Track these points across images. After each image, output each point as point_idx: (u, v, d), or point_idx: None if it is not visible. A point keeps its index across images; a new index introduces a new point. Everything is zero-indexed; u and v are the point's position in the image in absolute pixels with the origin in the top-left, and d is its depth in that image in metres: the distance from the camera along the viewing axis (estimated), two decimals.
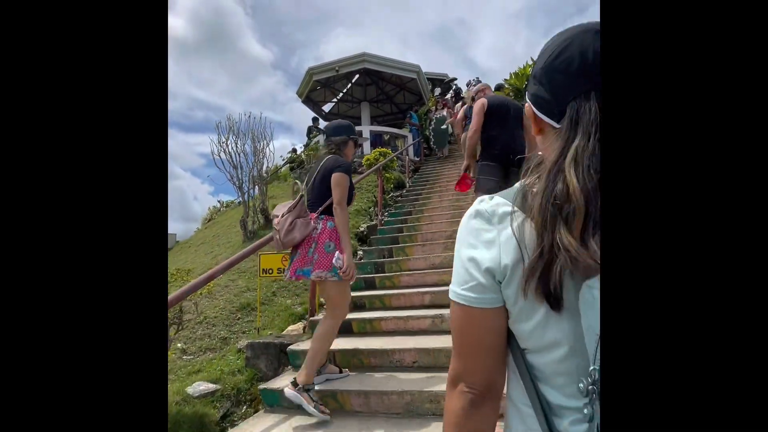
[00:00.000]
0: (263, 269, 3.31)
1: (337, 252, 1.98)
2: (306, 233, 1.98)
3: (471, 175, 2.92)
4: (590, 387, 0.39)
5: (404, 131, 11.03)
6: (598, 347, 0.37)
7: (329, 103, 12.52)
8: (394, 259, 3.92)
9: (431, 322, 2.63)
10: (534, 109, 0.49)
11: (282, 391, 2.00)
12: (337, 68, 9.96)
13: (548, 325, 0.44)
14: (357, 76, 11.26)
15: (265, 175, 6.82)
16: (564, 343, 0.43)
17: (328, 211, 2.06)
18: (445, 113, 9.32)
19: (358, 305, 3.17)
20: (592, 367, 0.39)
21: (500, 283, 0.46)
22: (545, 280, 0.41)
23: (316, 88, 11.29)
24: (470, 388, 0.49)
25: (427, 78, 14.71)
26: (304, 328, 3.08)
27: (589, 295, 0.38)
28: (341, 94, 12.18)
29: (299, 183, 2.21)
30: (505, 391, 0.52)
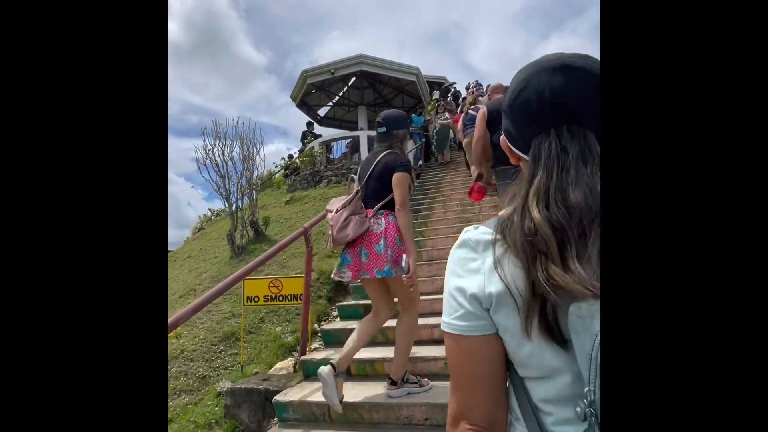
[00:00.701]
0: (248, 297, 2.88)
1: (403, 255, 1.86)
2: (360, 232, 1.87)
3: (483, 183, 2.86)
4: (587, 410, 0.38)
5: None
6: (591, 369, 0.37)
7: (325, 107, 12.13)
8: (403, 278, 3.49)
9: (444, 364, 2.20)
10: (507, 142, 0.52)
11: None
12: (332, 70, 9.58)
13: (544, 351, 0.43)
14: (354, 79, 10.89)
15: (257, 183, 6.39)
16: (565, 370, 0.42)
17: (388, 207, 1.95)
18: (447, 116, 8.95)
19: None
20: (587, 389, 0.38)
21: (487, 310, 0.46)
22: (544, 317, 0.41)
23: (311, 92, 10.90)
24: (473, 425, 0.47)
25: (428, 81, 14.41)
26: (295, 365, 2.64)
27: (576, 320, 0.38)
28: (337, 98, 11.80)
29: (355, 177, 2.05)
30: None
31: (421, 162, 9.78)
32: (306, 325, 2.69)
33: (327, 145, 10.54)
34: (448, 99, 10.45)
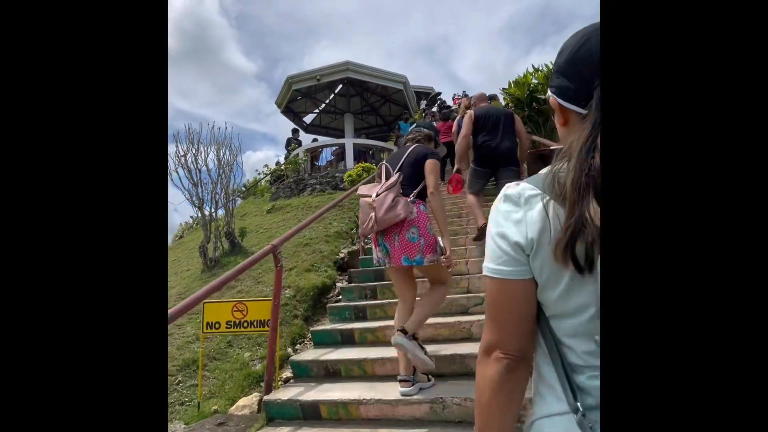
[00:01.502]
0: (208, 323, 2.54)
1: (438, 238, 1.96)
2: (408, 212, 1.91)
3: (462, 176, 3.22)
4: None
5: (390, 144, 10.41)
6: None
7: (311, 114, 11.86)
8: (378, 302, 3.18)
9: (429, 408, 1.91)
10: (559, 100, 0.54)
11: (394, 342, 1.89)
12: (318, 77, 9.33)
13: (572, 291, 0.49)
14: (340, 86, 10.67)
15: (235, 191, 6.04)
16: (590, 306, 0.48)
17: (420, 196, 2.03)
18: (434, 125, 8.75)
19: (330, 371, 2.42)
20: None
21: (528, 256, 0.51)
22: (573, 246, 0.45)
23: (297, 98, 10.63)
24: (506, 355, 0.53)
25: (415, 91, 14.32)
26: (259, 404, 2.31)
27: None
28: (323, 105, 11.54)
29: (387, 165, 2.12)
30: None
31: None
32: (272, 358, 2.36)
33: (313, 153, 10.25)
34: (434, 109, 10.31)
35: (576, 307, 0.49)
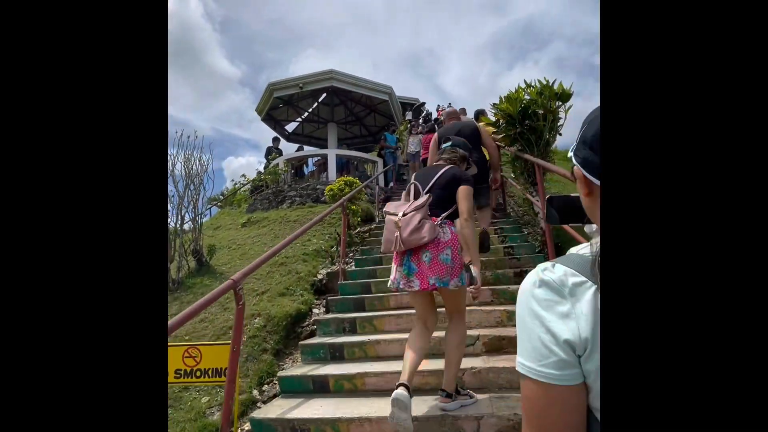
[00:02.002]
0: (176, 370, 2.09)
1: (472, 267, 1.90)
2: (434, 237, 1.86)
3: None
4: None
5: (373, 155, 10.13)
6: None
7: (293, 123, 11.48)
8: (358, 338, 2.80)
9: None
10: (584, 171, 0.51)
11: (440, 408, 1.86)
12: (301, 85, 8.99)
13: None
14: (324, 95, 10.36)
15: (219, 198, 5.59)
16: None
17: (451, 218, 2.00)
18: (418, 139, 8.54)
19: None
20: None
21: (579, 357, 0.45)
22: None
23: (278, 106, 10.25)
24: None
25: (400, 102, 14.18)
26: None
27: None
28: (306, 114, 11.19)
29: (418, 185, 2.05)
30: None
31: (392, 184, 9.27)
32: (228, 417, 1.96)
33: (295, 163, 9.88)
34: (420, 121, 10.11)
35: None
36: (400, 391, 1.67)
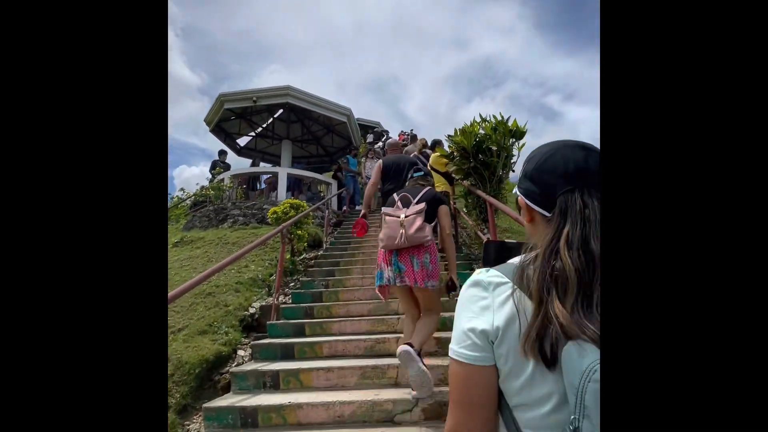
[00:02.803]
0: None
1: (453, 275, 2.38)
2: (432, 236, 2.26)
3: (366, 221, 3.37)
4: None
5: (327, 177, 9.78)
6: (577, 400, 0.42)
7: (246, 137, 10.89)
8: (278, 398, 2.33)
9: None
10: (527, 200, 0.59)
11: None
12: (254, 98, 8.54)
13: (535, 382, 0.49)
14: (281, 111, 9.95)
15: None
16: (553, 397, 0.48)
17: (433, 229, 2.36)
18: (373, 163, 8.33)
19: None
20: (573, 416, 0.43)
21: (492, 343, 0.52)
22: (541, 341, 0.47)
23: (230, 118, 9.67)
24: None
25: (360, 124, 14.10)
26: None
27: (568, 355, 0.44)
28: (260, 129, 10.67)
29: (408, 195, 2.41)
30: None
31: (345, 208, 8.93)
32: None
33: (243, 179, 9.27)
34: (378, 145, 9.96)
35: (539, 398, 0.49)
36: (403, 347, 2.06)
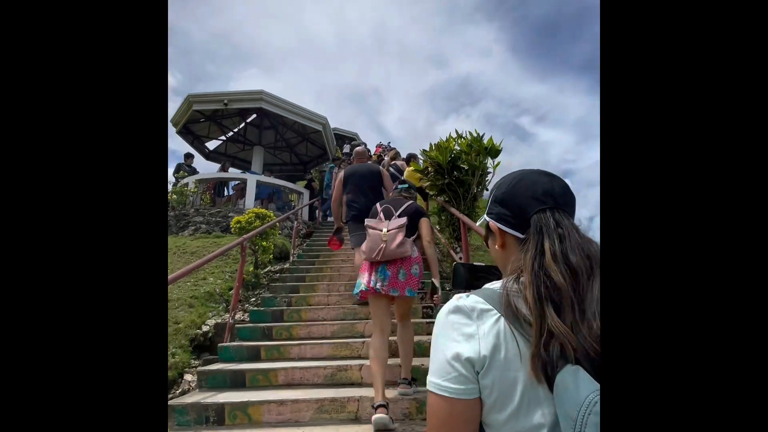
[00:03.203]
0: None
1: (434, 281, 2.32)
2: (413, 251, 2.33)
3: (339, 235, 3.50)
4: None
5: (300, 186, 9.48)
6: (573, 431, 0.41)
7: (216, 141, 10.45)
8: None
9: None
10: (499, 225, 0.60)
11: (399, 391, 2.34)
12: (226, 101, 8.20)
13: (521, 414, 0.47)
14: (254, 116, 9.63)
15: None
16: (542, 430, 0.46)
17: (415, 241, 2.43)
18: None
19: None
20: None
21: (478, 373, 0.49)
22: (544, 361, 0.45)
23: (199, 120, 9.25)
24: None
25: (338, 134, 13.91)
26: None
27: (563, 382, 0.43)
28: (231, 133, 10.27)
29: (390, 207, 2.47)
30: None
31: (319, 219, 8.65)
32: None
33: (212, 185, 8.83)
34: (352, 157, 9.80)
35: (527, 430, 0.47)
36: (379, 415, 1.96)
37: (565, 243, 0.51)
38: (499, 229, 0.59)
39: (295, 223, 6.73)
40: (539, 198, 0.56)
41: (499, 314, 0.49)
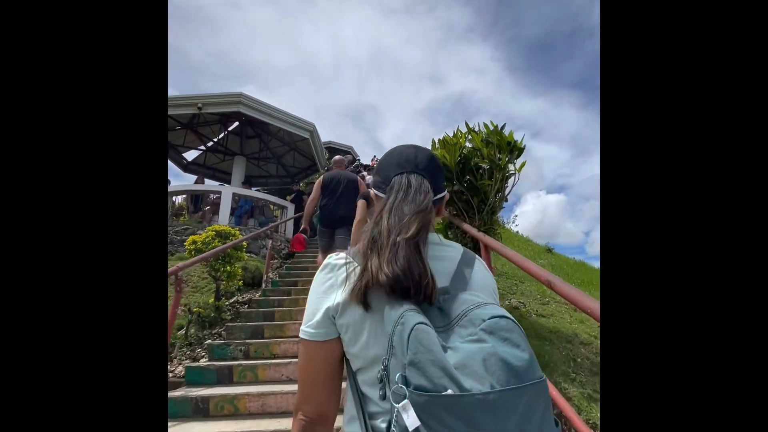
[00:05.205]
0: None
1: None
2: None
3: (307, 237, 3.65)
4: (382, 374, 0.49)
5: (284, 201, 8.51)
6: (389, 343, 0.48)
7: (196, 151, 9.52)
8: None
9: None
10: (375, 191, 0.70)
11: None
12: (200, 105, 7.28)
13: (369, 345, 0.56)
14: (236, 123, 8.73)
15: None
16: (380, 359, 0.51)
17: None
18: None
19: None
20: (384, 357, 0.49)
21: (334, 317, 0.59)
22: (365, 293, 0.55)
23: (174, 128, 8.32)
24: (304, 416, 0.60)
25: (333, 148, 13.12)
26: None
27: (387, 311, 0.52)
28: (211, 143, 9.35)
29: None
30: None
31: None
32: None
33: (191, 199, 7.86)
34: (332, 165, 8.89)
35: (373, 358, 0.56)
36: None
37: (405, 196, 0.62)
38: (375, 194, 0.70)
39: (270, 242, 5.69)
40: (401, 164, 0.67)
41: (357, 264, 0.59)
